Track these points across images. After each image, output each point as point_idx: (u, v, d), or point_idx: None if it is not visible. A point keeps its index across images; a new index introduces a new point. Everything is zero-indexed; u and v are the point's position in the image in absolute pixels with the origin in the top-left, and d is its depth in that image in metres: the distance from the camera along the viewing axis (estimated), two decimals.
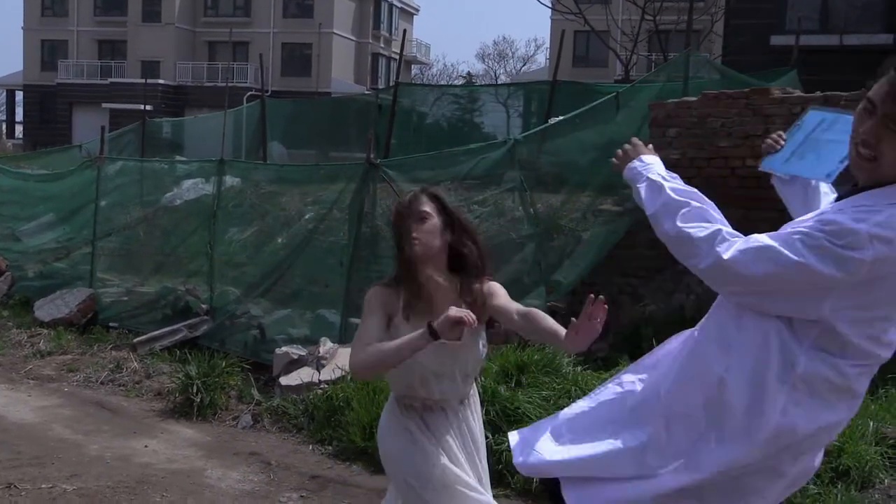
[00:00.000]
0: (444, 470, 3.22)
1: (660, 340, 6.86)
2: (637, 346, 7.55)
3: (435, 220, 3.24)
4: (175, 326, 8.37)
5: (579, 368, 6.47)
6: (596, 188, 8.86)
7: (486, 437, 5.47)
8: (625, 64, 26.23)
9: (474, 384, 3.54)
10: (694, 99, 8.41)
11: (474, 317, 2.95)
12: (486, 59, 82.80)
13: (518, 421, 5.62)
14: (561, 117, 9.76)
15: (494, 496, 5.18)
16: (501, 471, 5.38)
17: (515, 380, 6.09)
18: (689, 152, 8.19)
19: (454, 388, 3.31)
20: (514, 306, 3.30)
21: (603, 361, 7.21)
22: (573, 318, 2.92)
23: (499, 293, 3.36)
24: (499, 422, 5.61)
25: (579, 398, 5.84)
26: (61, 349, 8.49)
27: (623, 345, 7.78)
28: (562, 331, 3.02)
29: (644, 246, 8.54)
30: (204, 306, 8.57)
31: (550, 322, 3.14)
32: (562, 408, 5.74)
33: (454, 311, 2.89)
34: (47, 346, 8.55)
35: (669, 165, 7.99)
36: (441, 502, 3.21)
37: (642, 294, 8.47)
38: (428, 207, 3.25)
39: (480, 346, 3.34)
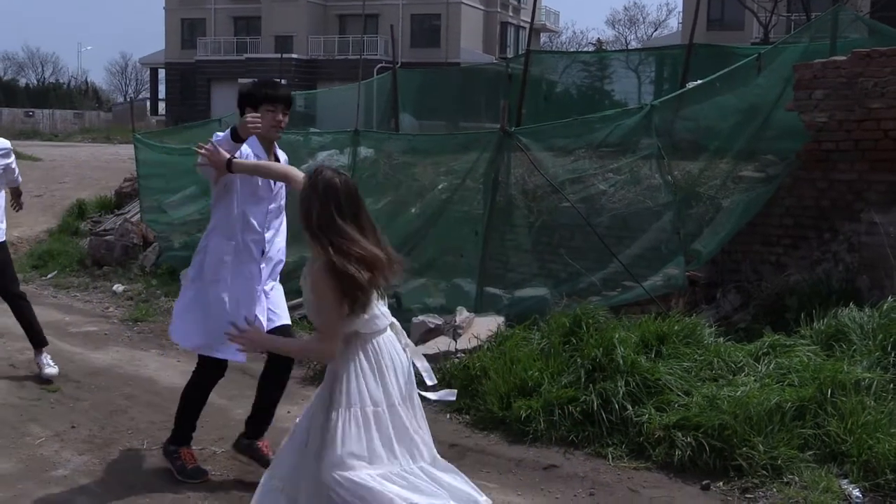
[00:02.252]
0: None
1: (805, 311, 6.64)
2: (780, 317, 7.31)
3: None
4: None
5: (721, 339, 6.30)
6: (736, 154, 8.57)
7: (626, 409, 5.43)
8: (764, 25, 25.24)
9: None
10: (843, 58, 8.00)
11: None
12: (617, 26, 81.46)
13: (659, 392, 5.53)
14: (699, 81, 9.44)
15: (635, 468, 5.14)
16: (642, 443, 5.30)
17: (655, 350, 5.98)
18: (837, 115, 7.81)
19: None
20: None
21: (745, 332, 7.00)
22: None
23: None
24: (639, 393, 5.52)
25: (721, 370, 5.72)
26: None
27: (765, 316, 7.54)
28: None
29: (787, 214, 8.24)
30: None
31: None
32: (704, 380, 5.63)
33: None
34: None
35: (816, 129, 7.68)
36: None
37: (785, 263, 8.17)
38: None
39: None
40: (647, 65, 17.89)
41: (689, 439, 5.10)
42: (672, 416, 5.28)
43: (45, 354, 7.06)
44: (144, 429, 5.89)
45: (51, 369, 6.93)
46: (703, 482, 4.96)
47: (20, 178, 7.28)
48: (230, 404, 6.30)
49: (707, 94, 9.00)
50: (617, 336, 5.97)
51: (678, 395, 5.48)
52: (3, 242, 6.88)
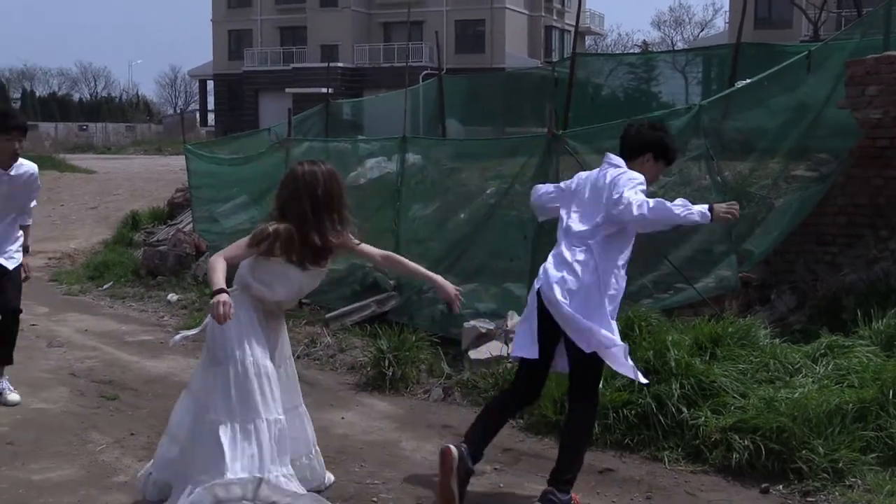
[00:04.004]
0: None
1: (863, 311, 6.54)
2: (837, 317, 7.21)
3: None
4: (364, 302, 8.60)
5: (777, 341, 6.23)
6: (787, 153, 8.47)
7: (682, 412, 5.39)
8: (813, 22, 24.89)
9: None
10: None
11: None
12: (662, 27, 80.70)
13: (714, 395, 5.48)
14: (747, 80, 9.34)
15: (692, 472, 5.10)
16: (699, 446, 5.25)
17: (710, 352, 5.93)
18: (892, 111, 7.69)
19: None
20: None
21: (801, 334, 6.91)
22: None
23: None
24: (694, 396, 5.47)
25: (778, 372, 5.64)
26: None
27: (821, 317, 7.44)
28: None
29: (841, 212, 8.12)
30: (391, 282, 8.77)
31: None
32: (760, 382, 5.57)
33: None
34: None
35: (870, 126, 7.54)
36: None
37: (841, 263, 8.05)
38: None
39: None
40: (694, 65, 17.73)
41: (746, 442, 5.05)
42: (728, 418, 5.23)
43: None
44: None
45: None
46: (762, 486, 4.91)
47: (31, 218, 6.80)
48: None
49: (756, 94, 8.90)
50: (670, 338, 5.93)
51: (734, 397, 5.43)
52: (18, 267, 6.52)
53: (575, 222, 4.75)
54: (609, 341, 4.53)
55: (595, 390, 4.74)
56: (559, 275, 4.61)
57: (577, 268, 4.58)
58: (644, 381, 4.82)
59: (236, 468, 4.27)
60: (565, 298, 4.52)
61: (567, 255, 4.65)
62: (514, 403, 5.03)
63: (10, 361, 6.66)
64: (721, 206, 4.51)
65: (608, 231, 4.61)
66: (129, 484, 5.09)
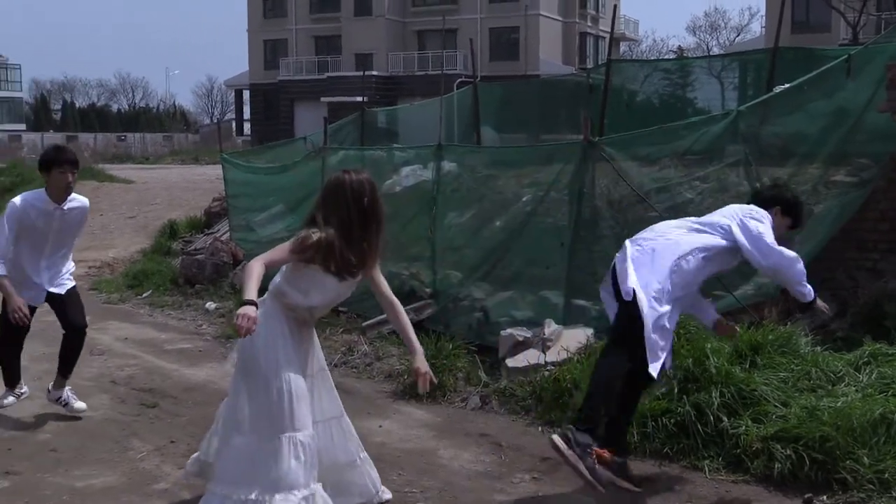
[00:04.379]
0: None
1: None
2: (879, 324, 7.10)
3: None
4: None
5: (818, 349, 6.15)
6: (826, 159, 8.36)
7: (722, 421, 5.34)
8: (852, 25, 24.62)
9: None
10: None
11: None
12: (698, 32, 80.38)
13: (755, 403, 5.42)
14: (786, 85, 9.25)
15: (733, 481, 5.05)
16: (739, 455, 5.20)
17: (750, 360, 5.86)
18: None
19: None
20: None
21: (843, 342, 6.81)
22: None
23: None
24: (734, 404, 5.41)
25: (820, 380, 5.57)
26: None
27: (864, 324, 7.32)
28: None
29: (882, 218, 8.00)
30: (428, 290, 8.77)
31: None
32: (802, 391, 5.49)
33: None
34: None
35: None
36: None
37: (882, 269, 7.93)
38: None
39: None
40: (730, 71, 17.58)
41: (788, 451, 4.99)
42: (770, 427, 5.17)
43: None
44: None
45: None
46: (806, 496, 4.84)
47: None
48: None
49: (794, 99, 8.82)
50: (709, 346, 5.88)
51: (775, 405, 5.37)
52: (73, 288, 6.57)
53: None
54: (650, 313, 4.78)
55: (624, 356, 4.86)
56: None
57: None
58: (653, 374, 4.83)
59: (253, 484, 4.23)
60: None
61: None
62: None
63: (69, 374, 6.64)
64: (822, 303, 5.11)
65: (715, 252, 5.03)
66: (169, 491, 5.13)
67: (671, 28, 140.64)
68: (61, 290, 6.40)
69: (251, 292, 4.07)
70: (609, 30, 16.03)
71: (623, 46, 65.79)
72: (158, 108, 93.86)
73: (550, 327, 7.09)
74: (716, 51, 65.78)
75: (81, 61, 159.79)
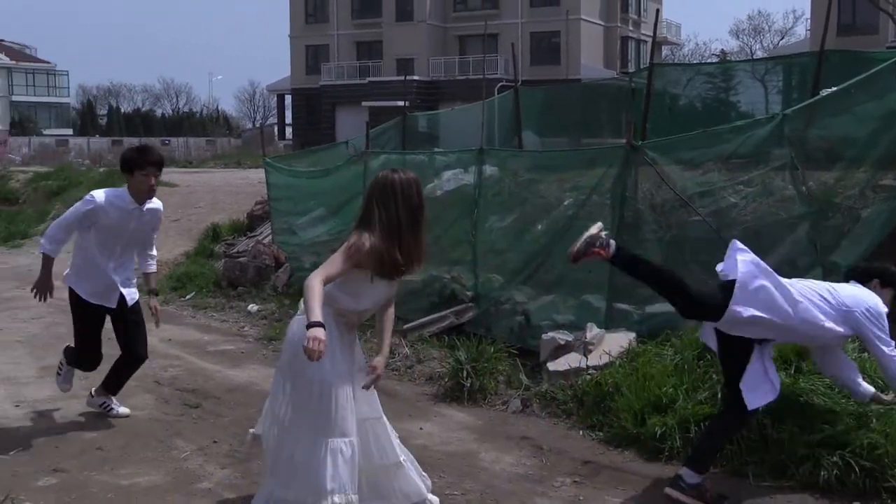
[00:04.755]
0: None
1: None
2: None
3: None
4: (442, 313, 8.62)
5: (865, 355, 6.04)
6: (874, 162, 8.22)
7: (766, 427, 5.28)
8: None
9: None
10: None
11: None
12: (741, 35, 79.60)
13: (800, 409, 5.35)
14: (833, 88, 9.13)
15: (777, 488, 4.98)
16: (784, 462, 5.13)
17: (795, 366, 5.79)
18: None
19: None
20: None
21: None
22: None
23: None
24: (779, 410, 5.34)
25: (867, 384, 5.48)
26: None
27: None
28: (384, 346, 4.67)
29: None
30: (469, 293, 8.77)
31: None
32: (849, 397, 5.41)
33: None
34: None
35: None
36: None
37: None
38: None
39: None
40: (774, 74, 17.38)
41: (835, 458, 4.92)
42: (816, 433, 5.10)
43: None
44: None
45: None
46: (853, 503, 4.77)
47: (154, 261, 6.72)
48: None
49: (841, 102, 8.70)
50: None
51: (821, 412, 5.29)
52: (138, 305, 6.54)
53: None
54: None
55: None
56: None
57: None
58: (750, 407, 4.86)
59: (293, 484, 4.27)
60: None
61: None
62: None
63: (115, 393, 6.66)
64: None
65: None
66: (212, 491, 5.18)
67: (714, 31, 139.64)
68: (127, 296, 6.33)
69: (317, 313, 4.00)
70: (651, 33, 15.92)
71: (665, 50, 65.36)
72: (202, 113, 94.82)
73: (592, 331, 7.06)
74: (759, 54, 65.17)
75: (127, 67, 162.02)
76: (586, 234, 5.03)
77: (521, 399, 6.79)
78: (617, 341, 6.95)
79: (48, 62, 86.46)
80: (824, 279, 7.33)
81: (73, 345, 6.62)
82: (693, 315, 5.22)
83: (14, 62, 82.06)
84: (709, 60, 59.05)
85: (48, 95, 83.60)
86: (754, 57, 57.66)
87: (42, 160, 35.63)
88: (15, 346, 8.93)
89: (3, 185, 23.19)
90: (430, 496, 4.77)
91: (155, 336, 9.36)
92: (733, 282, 4.82)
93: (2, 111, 78.80)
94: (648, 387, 5.96)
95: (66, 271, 6.33)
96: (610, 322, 7.39)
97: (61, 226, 6.13)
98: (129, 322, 6.38)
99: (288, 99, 62.50)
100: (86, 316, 6.30)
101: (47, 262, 6.19)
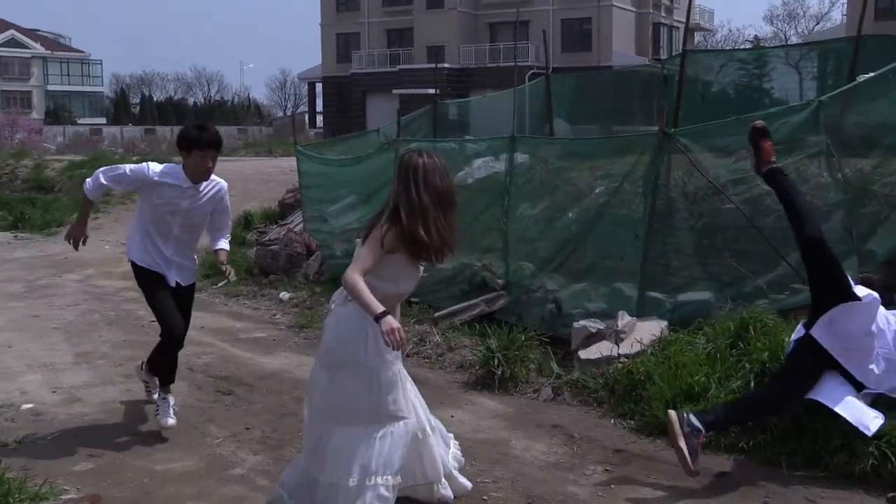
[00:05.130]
0: None
1: None
2: None
3: None
4: (473, 301, 8.62)
5: None
6: None
7: (800, 416, 5.23)
8: None
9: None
10: None
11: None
12: (775, 21, 78.68)
13: None
14: (870, 74, 9.00)
15: (812, 477, 4.95)
16: (818, 451, 5.09)
17: None
18: None
19: None
20: None
21: None
22: None
23: None
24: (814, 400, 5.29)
25: None
26: None
27: None
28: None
29: None
30: (500, 281, 8.76)
31: None
32: None
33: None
34: None
35: None
36: None
37: None
38: None
39: None
40: (809, 60, 17.15)
41: (870, 448, 4.87)
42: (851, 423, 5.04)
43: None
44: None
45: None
46: (889, 495, 4.73)
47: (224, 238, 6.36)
48: None
49: (879, 88, 8.57)
50: (786, 340, 5.76)
51: None
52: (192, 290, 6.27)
53: None
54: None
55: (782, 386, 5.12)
56: None
57: None
58: (869, 432, 4.92)
59: (354, 470, 4.26)
60: None
61: None
62: None
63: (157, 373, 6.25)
64: None
65: None
66: (245, 477, 5.22)
67: (747, 17, 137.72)
68: (182, 281, 6.03)
69: (375, 303, 4.03)
70: (683, 20, 15.77)
71: (698, 36, 64.75)
72: (233, 102, 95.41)
73: (624, 319, 7.03)
74: (794, 40, 64.41)
75: (159, 56, 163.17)
76: None
77: (552, 387, 6.78)
78: (648, 329, 6.91)
79: (82, 52, 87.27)
80: (860, 268, 7.29)
81: (146, 359, 6.38)
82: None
83: (49, 52, 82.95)
84: (742, 47, 58.39)
85: (82, 85, 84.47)
86: (788, 43, 56.96)
87: (76, 149, 35.93)
88: (51, 333, 9.05)
89: (38, 173, 23.41)
90: (462, 479, 4.80)
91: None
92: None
93: (37, 100, 79.73)
94: (680, 375, 5.93)
95: (128, 247, 6.13)
96: (642, 310, 7.36)
97: (107, 172, 5.84)
98: (182, 301, 6.04)
99: (319, 87, 62.65)
100: (153, 283, 5.91)
101: (86, 204, 5.99)
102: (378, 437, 4.28)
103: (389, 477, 4.25)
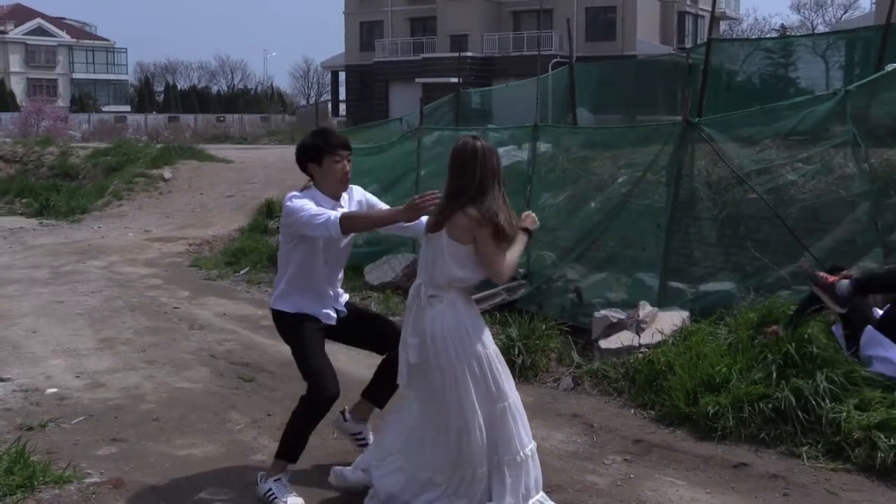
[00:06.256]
0: None
1: None
2: None
3: None
4: (494, 290, 8.60)
5: None
6: None
7: (822, 407, 5.20)
8: None
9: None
10: None
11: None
12: (802, 10, 77.98)
13: (858, 390, 5.27)
14: None
15: (832, 469, 4.92)
16: (840, 443, 5.06)
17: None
18: None
19: None
20: None
21: None
22: None
23: None
24: (836, 390, 5.27)
25: None
26: (389, 311, 9.01)
27: None
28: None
29: None
30: (521, 270, 8.75)
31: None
32: None
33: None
34: (377, 308, 9.11)
35: None
36: None
37: None
38: None
39: None
40: (836, 49, 16.97)
41: (893, 441, 4.83)
42: (873, 415, 5.01)
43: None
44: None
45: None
46: None
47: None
48: None
49: None
50: (810, 331, 5.73)
51: (880, 393, 5.20)
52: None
53: None
54: None
55: None
56: None
57: None
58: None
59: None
60: None
61: None
62: None
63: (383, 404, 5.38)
64: None
65: None
66: (266, 463, 5.25)
67: (774, 6, 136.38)
68: (341, 311, 5.16)
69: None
70: (709, 8, 15.63)
71: (723, 25, 64.23)
72: (256, 90, 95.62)
73: (645, 309, 7.01)
74: (821, 29, 63.80)
75: (183, 44, 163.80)
76: None
77: (572, 377, 6.78)
78: (670, 320, 6.89)
79: (108, 40, 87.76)
80: (885, 259, 7.22)
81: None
82: None
83: (75, 40, 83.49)
84: (768, 36, 57.88)
85: (107, 73, 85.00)
86: (815, 32, 56.41)
87: (101, 136, 36.19)
88: (75, 319, 9.12)
89: (63, 160, 23.61)
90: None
91: (210, 310, 9.53)
92: None
93: (63, 88, 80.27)
94: (701, 366, 5.90)
95: (273, 297, 5.18)
96: (663, 300, 7.33)
97: (312, 214, 4.76)
98: (363, 318, 5.29)
99: (342, 76, 62.69)
100: (305, 331, 5.08)
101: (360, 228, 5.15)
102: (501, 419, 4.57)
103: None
